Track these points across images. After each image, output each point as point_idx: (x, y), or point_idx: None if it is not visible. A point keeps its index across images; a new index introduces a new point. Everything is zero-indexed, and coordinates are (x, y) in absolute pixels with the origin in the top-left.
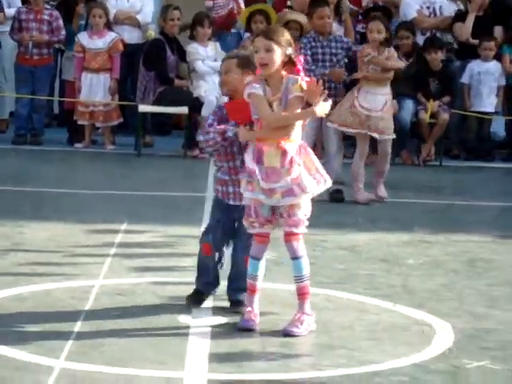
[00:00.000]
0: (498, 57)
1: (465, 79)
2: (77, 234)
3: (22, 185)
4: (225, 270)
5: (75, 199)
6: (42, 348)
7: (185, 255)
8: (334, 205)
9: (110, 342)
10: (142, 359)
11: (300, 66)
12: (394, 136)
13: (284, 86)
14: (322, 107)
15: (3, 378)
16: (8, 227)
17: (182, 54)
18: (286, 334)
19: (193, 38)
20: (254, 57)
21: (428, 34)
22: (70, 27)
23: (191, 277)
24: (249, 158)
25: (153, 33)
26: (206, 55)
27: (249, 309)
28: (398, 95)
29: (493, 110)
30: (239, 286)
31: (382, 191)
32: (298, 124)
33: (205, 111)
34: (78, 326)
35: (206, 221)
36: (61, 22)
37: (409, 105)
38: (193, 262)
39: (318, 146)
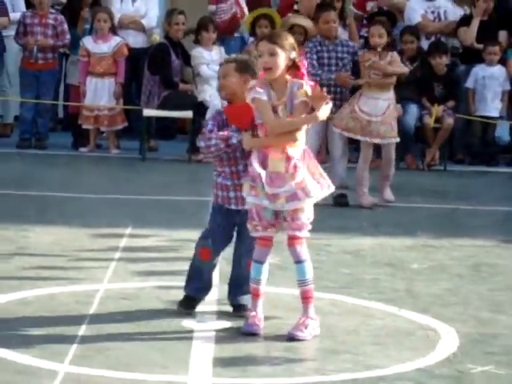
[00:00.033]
0: (503, 61)
1: (469, 84)
2: (81, 238)
3: (27, 189)
4: (223, 275)
5: (80, 203)
6: (47, 352)
7: (189, 259)
8: (339, 209)
9: (114, 346)
10: (147, 363)
11: (304, 70)
12: (397, 140)
13: (289, 90)
14: (324, 111)
15: (7, 382)
16: (12, 231)
17: (186, 59)
18: (291, 338)
19: (197, 42)
20: (258, 61)
21: (433, 39)
22: (74, 31)
23: None
24: (254, 163)
25: (157, 37)
26: (210, 59)
27: (253, 313)
28: (402, 100)
29: (497, 115)
30: (241, 290)
31: (389, 194)
32: (303, 128)
33: (209, 115)
34: (82, 330)
35: None
36: (66, 26)
37: (413, 109)
38: None
39: (323, 150)
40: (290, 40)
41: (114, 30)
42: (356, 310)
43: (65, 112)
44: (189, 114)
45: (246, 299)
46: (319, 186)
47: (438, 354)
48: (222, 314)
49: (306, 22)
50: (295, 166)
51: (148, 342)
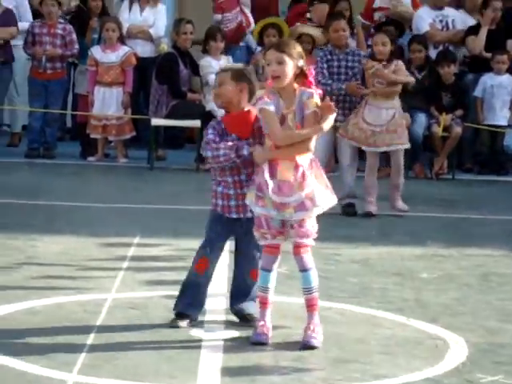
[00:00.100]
0: (511, 70)
1: (478, 93)
2: (89, 247)
3: (35, 198)
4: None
5: (88, 212)
6: (55, 361)
7: None
8: (347, 218)
9: (122, 355)
10: (155, 373)
11: (312, 78)
12: (404, 146)
13: (297, 99)
14: (329, 123)
15: None
16: (21, 240)
17: (194, 68)
18: (306, 347)
19: (206, 51)
20: (266, 70)
21: (441, 48)
22: (83, 41)
23: None
24: (261, 172)
25: (165, 46)
26: (218, 69)
27: (261, 322)
28: (410, 109)
29: (506, 124)
30: (244, 299)
31: (401, 204)
32: (314, 138)
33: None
34: (90, 340)
35: None
36: (74, 36)
37: (421, 118)
38: None
39: (332, 158)
40: (297, 48)
41: (122, 40)
42: (364, 320)
43: (73, 121)
44: (197, 123)
45: (247, 306)
46: (325, 196)
47: (447, 363)
48: (230, 324)
49: (314, 31)
50: (303, 175)
51: (156, 352)
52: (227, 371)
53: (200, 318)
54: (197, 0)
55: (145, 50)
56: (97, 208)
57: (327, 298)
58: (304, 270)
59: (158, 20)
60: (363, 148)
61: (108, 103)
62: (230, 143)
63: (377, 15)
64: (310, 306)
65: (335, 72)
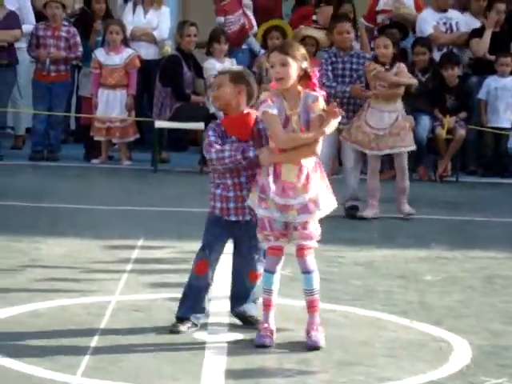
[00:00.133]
0: None
1: (481, 95)
2: (93, 249)
3: (39, 201)
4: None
5: (92, 215)
6: (59, 364)
7: None
8: (350, 221)
9: (126, 358)
10: (159, 375)
11: (315, 80)
12: (408, 149)
13: (302, 101)
14: (332, 127)
15: None
16: (25, 243)
17: (198, 70)
18: (313, 347)
19: (209, 54)
20: (270, 72)
21: (444, 50)
22: (87, 43)
23: None
24: (264, 173)
25: (169, 49)
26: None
27: (265, 325)
28: (414, 111)
29: (510, 126)
30: (243, 301)
31: (408, 208)
32: (321, 142)
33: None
34: (94, 342)
35: None
36: (78, 38)
37: (425, 121)
38: None
39: (335, 161)
40: (301, 50)
41: (126, 42)
42: (368, 322)
43: (77, 124)
44: (201, 125)
45: (248, 308)
46: (328, 199)
47: (451, 366)
48: (233, 326)
49: (318, 34)
50: (308, 178)
51: (160, 354)
52: (231, 374)
53: (204, 321)
54: (200, 2)
55: (148, 52)
56: (101, 210)
57: (331, 300)
58: (307, 272)
59: (161, 22)
60: (366, 152)
61: (112, 105)
62: (235, 145)
63: (380, 18)
64: (311, 307)
65: (340, 74)
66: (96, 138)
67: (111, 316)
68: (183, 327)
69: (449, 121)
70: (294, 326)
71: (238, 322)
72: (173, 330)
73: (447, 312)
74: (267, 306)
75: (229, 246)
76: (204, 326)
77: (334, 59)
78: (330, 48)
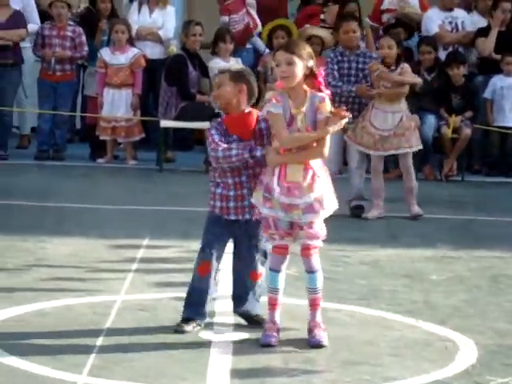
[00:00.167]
0: None
1: (487, 94)
2: (99, 249)
3: (45, 200)
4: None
5: (97, 214)
6: (65, 363)
7: None
8: (355, 220)
9: (132, 357)
10: (164, 375)
11: (321, 79)
12: (413, 149)
13: (308, 101)
14: (336, 127)
15: None
16: (30, 242)
17: (203, 70)
18: (317, 345)
19: (215, 53)
20: (275, 71)
21: (450, 49)
22: (92, 43)
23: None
24: (269, 173)
25: (175, 48)
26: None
27: (270, 324)
28: (419, 110)
29: None
30: (245, 301)
31: (416, 209)
32: (328, 143)
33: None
34: (100, 342)
35: None
36: (84, 38)
37: (431, 120)
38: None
39: (340, 160)
40: (307, 49)
41: (131, 42)
42: (374, 322)
43: (82, 123)
44: (206, 125)
45: (252, 307)
46: (332, 199)
47: (457, 365)
48: (239, 326)
49: (323, 33)
50: (313, 177)
51: (165, 354)
52: (236, 373)
53: (209, 320)
54: (205, 2)
55: (154, 51)
56: (106, 210)
57: (336, 299)
58: (311, 271)
59: (167, 22)
60: (370, 153)
61: (117, 105)
62: (242, 143)
63: (385, 17)
64: (313, 305)
65: (345, 74)
66: (101, 138)
67: (117, 315)
68: (188, 327)
69: (454, 120)
70: (300, 326)
71: (243, 321)
72: (178, 329)
73: (453, 311)
74: (273, 305)
75: (229, 246)
76: (209, 326)
77: (339, 58)
78: (336, 47)
